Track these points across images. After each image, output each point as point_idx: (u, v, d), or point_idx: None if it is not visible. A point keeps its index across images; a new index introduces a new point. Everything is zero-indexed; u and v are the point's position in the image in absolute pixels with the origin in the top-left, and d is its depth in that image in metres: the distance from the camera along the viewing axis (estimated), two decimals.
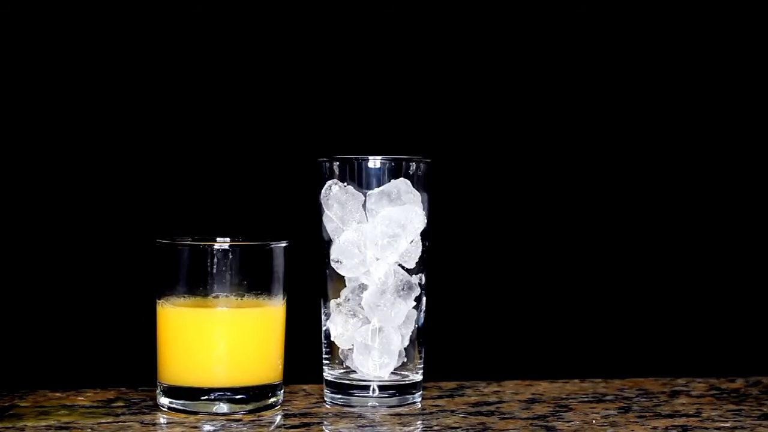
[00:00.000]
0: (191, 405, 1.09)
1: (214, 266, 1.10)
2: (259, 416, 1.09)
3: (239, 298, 1.10)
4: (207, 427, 1.05)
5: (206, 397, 1.09)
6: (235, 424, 1.06)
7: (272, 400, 1.11)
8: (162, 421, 1.07)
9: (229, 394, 1.10)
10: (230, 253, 1.10)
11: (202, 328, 1.10)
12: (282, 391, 1.12)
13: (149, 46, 1.37)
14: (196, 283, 1.10)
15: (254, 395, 1.10)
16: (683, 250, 1.40)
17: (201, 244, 1.10)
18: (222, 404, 1.09)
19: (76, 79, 1.42)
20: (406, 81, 1.36)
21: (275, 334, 1.12)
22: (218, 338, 1.10)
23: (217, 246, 1.10)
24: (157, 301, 1.11)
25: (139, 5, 1.39)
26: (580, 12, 1.40)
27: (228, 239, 1.12)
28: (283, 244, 1.12)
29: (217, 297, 1.10)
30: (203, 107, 1.40)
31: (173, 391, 1.10)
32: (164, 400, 1.11)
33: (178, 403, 1.10)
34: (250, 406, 1.10)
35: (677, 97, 1.41)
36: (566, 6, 1.39)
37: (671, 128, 1.41)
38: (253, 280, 1.11)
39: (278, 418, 1.09)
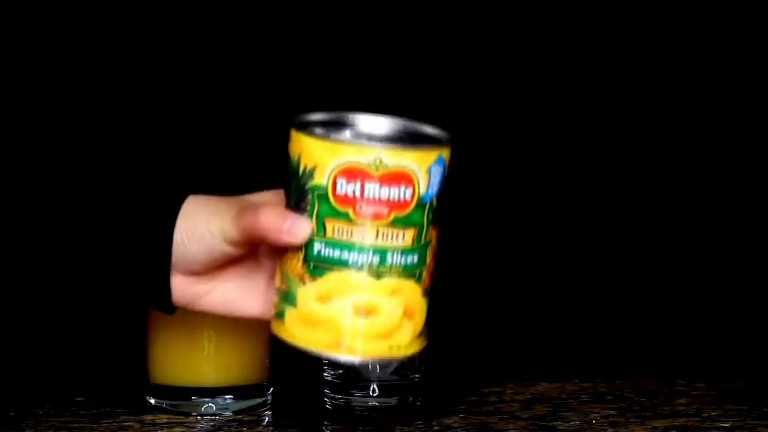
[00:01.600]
0: (179, 404, 1.10)
1: None
2: (256, 415, 1.09)
3: None
4: (207, 426, 1.05)
5: (194, 396, 1.10)
6: (235, 424, 1.06)
7: (261, 399, 1.11)
8: (162, 421, 1.07)
9: (217, 393, 1.10)
10: None
11: (190, 326, 1.10)
12: (271, 390, 1.13)
13: (147, 45, 1.37)
14: None
15: (242, 394, 1.10)
16: (682, 249, 1.40)
17: None
18: (210, 403, 1.10)
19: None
20: (407, 80, 1.36)
21: (264, 332, 1.12)
22: (206, 337, 1.10)
23: None
24: None
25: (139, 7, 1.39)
26: (580, 13, 1.40)
27: None
28: None
29: None
30: (202, 106, 1.40)
31: (161, 390, 1.11)
32: (152, 400, 1.11)
33: (165, 403, 1.10)
34: (238, 406, 1.10)
35: (678, 97, 1.41)
36: (567, 4, 1.39)
37: (671, 128, 1.41)
38: None
39: (268, 417, 1.09)
